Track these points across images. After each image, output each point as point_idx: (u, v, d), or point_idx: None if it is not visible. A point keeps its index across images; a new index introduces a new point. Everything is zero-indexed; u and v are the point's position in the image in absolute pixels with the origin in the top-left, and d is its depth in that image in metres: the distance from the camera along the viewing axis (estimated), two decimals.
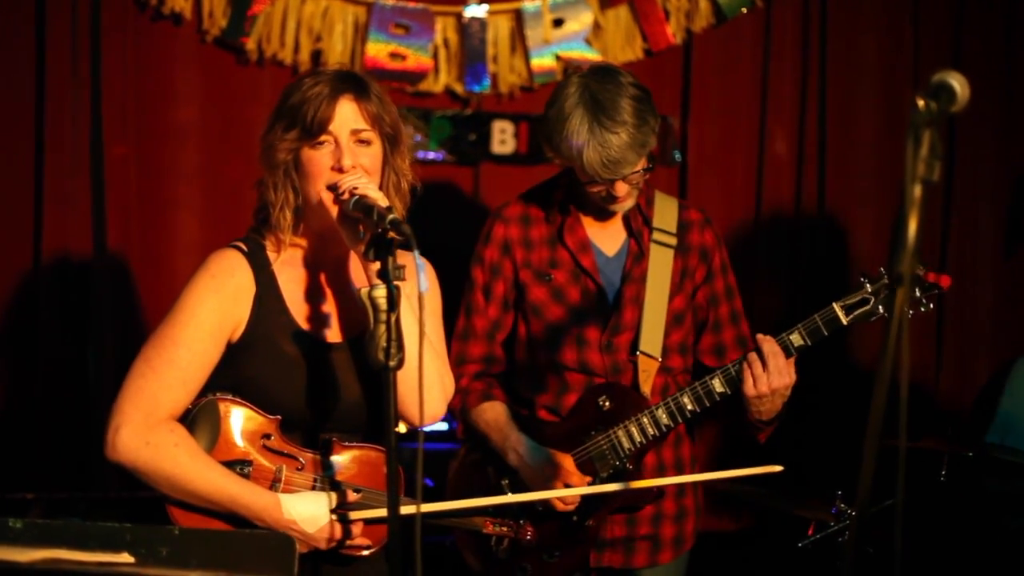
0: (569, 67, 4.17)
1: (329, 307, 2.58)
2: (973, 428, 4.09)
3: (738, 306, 3.33)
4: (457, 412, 3.26)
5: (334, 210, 2.43)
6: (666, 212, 3.29)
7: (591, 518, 3.13)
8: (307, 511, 2.41)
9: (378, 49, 4.18)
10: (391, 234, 2.22)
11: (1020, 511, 3.76)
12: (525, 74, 4.30)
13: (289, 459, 2.46)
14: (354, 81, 2.52)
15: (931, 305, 3.13)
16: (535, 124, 4.24)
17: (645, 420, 3.11)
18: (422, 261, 2.14)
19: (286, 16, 4.13)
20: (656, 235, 3.25)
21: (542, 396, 3.25)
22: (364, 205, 2.33)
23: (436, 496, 2.80)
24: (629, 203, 3.17)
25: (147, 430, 2.39)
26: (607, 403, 3.15)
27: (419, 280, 2.10)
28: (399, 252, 2.24)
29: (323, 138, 2.46)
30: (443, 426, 3.95)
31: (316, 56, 4.15)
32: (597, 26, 4.32)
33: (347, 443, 2.51)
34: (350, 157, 2.45)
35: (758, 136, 4.48)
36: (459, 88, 4.29)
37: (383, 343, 2.17)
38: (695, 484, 3.34)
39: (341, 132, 2.46)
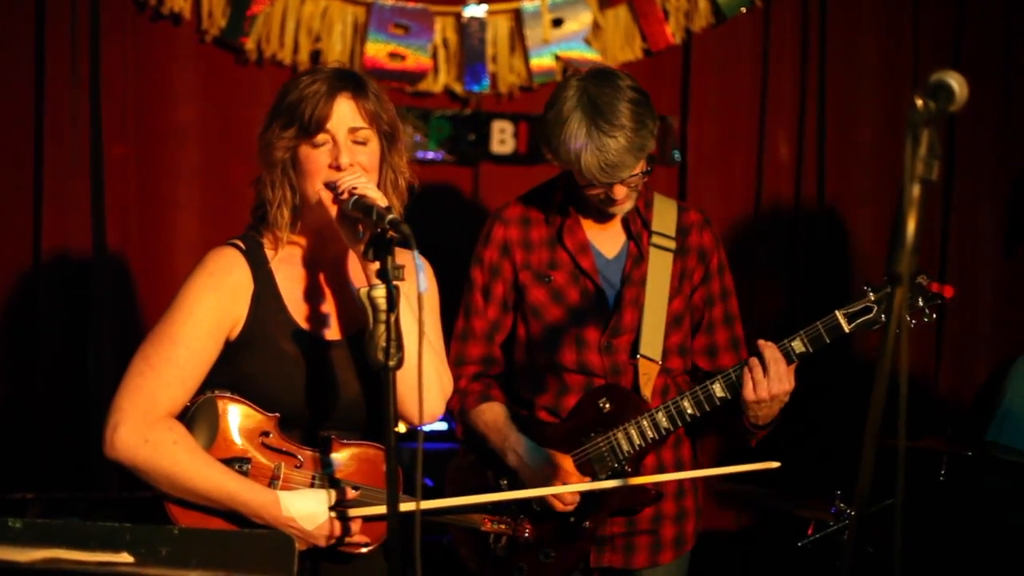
0: (568, 68, 4.17)
1: (327, 305, 2.58)
2: (973, 427, 4.09)
3: (733, 308, 3.32)
4: (456, 413, 3.26)
5: (333, 209, 2.43)
6: (665, 215, 3.29)
7: (588, 519, 3.13)
8: (306, 508, 2.41)
9: (377, 49, 4.18)
10: (390, 234, 2.22)
11: (1019, 510, 3.76)
12: (524, 74, 4.30)
13: (288, 456, 2.46)
14: (352, 79, 2.52)
15: (934, 315, 3.13)
16: (534, 124, 4.24)
17: (645, 423, 3.11)
18: (421, 261, 2.15)
19: (285, 16, 4.13)
20: (655, 239, 3.25)
21: (541, 397, 3.25)
22: (363, 205, 2.33)
23: (435, 496, 2.80)
24: (628, 205, 3.18)
25: (146, 428, 2.39)
26: (607, 405, 3.15)
27: (418, 280, 2.10)
28: (398, 251, 2.24)
29: (321, 136, 2.46)
30: (443, 426, 3.96)
31: (315, 56, 4.15)
32: (596, 26, 4.32)
33: (346, 441, 2.51)
34: (348, 155, 2.46)
35: (757, 136, 4.48)
36: (458, 88, 4.29)
37: (382, 343, 2.17)
38: (696, 485, 3.33)
39: (339, 130, 2.47)
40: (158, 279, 4.06)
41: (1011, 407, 3.86)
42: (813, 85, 4.47)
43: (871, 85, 4.53)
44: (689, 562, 3.36)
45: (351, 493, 2.45)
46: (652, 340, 3.19)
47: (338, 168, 2.45)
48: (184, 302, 2.47)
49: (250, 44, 4.11)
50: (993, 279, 4.62)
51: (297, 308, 2.54)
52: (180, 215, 4.13)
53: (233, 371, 2.48)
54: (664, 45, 4.37)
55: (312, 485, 2.46)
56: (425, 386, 2.19)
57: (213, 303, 2.47)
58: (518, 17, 4.27)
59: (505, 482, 3.16)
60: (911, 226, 1.62)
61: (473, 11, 4.24)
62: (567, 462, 3.10)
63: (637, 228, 3.25)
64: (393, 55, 4.19)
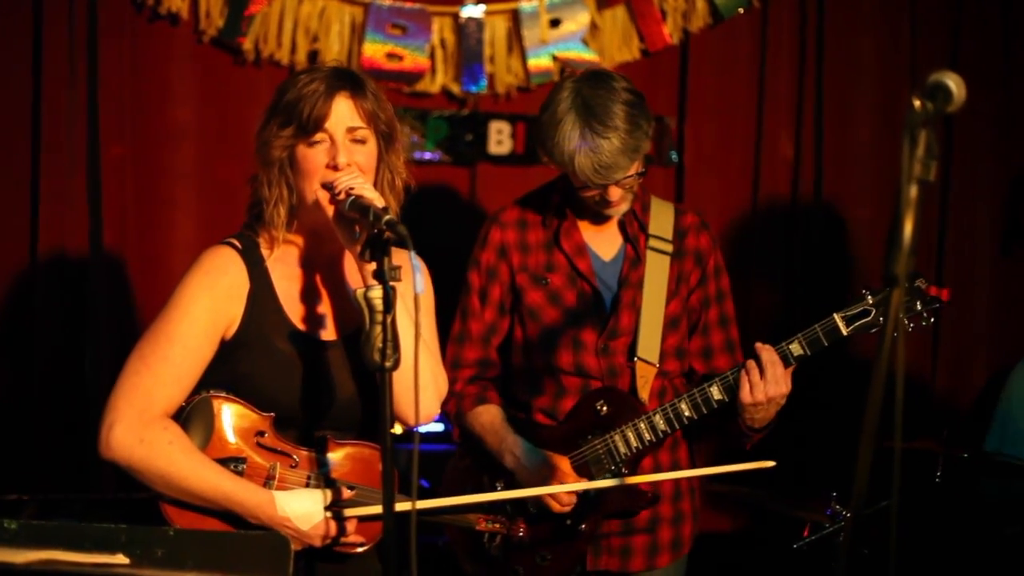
0: (566, 68, 4.17)
1: (323, 304, 2.58)
2: (971, 434, 4.08)
3: (728, 311, 3.32)
4: (452, 416, 3.26)
5: (330, 210, 2.43)
6: (662, 218, 3.28)
7: (585, 522, 3.13)
8: (301, 508, 2.41)
9: (375, 49, 4.18)
10: (387, 234, 2.22)
11: (1015, 513, 3.76)
12: (522, 74, 4.30)
13: (283, 456, 2.46)
14: (350, 78, 2.52)
15: (932, 319, 3.13)
16: (532, 125, 4.24)
17: (642, 426, 3.11)
18: (418, 261, 2.14)
19: (283, 16, 4.13)
20: (652, 242, 3.25)
21: (538, 399, 3.24)
22: (360, 205, 2.33)
23: (431, 498, 2.79)
24: (624, 207, 3.18)
25: (141, 427, 2.39)
26: (604, 407, 3.15)
27: (415, 281, 2.10)
28: (394, 251, 2.24)
29: (318, 136, 2.46)
30: (439, 427, 3.95)
31: (313, 56, 4.15)
32: (594, 26, 4.32)
33: (341, 440, 2.51)
34: (345, 155, 2.46)
35: (755, 136, 4.48)
36: (456, 88, 4.28)
37: (379, 344, 2.17)
38: (693, 488, 3.33)
39: (337, 130, 2.47)
40: (155, 278, 4.06)
41: (1009, 416, 3.85)
42: (811, 85, 4.47)
43: (869, 85, 4.53)
44: (686, 566, 3.36)
45: (346, 493, 2.44)
46: (649, 343, 3.19)
47: (335, 168, 2.45)
48: (180, 301, 2.47)
49: (248, 44, 4.11)
50: (990, 279, 4.62)
51: (293, 308, 2.54)
52: (177, 215, 4.13)
53: (229, 371, 2.48)
54: (662, 45, 4.37)
55: (307, 485, 2.46)
56: (421, 387, 2.18)
57: (209, 302, 2.47)
58: (516, 17, 4.27)
59: (501, 485, 3.16)
60: (908, 227, 1.61)
61: (471, 11, 4.24)
62: (564, 463, 3.10)
63: (634, 231, 3.25)
64: (391, 55, 4.19)
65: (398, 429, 2.72)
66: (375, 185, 2.49)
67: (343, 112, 2.47)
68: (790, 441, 3.87)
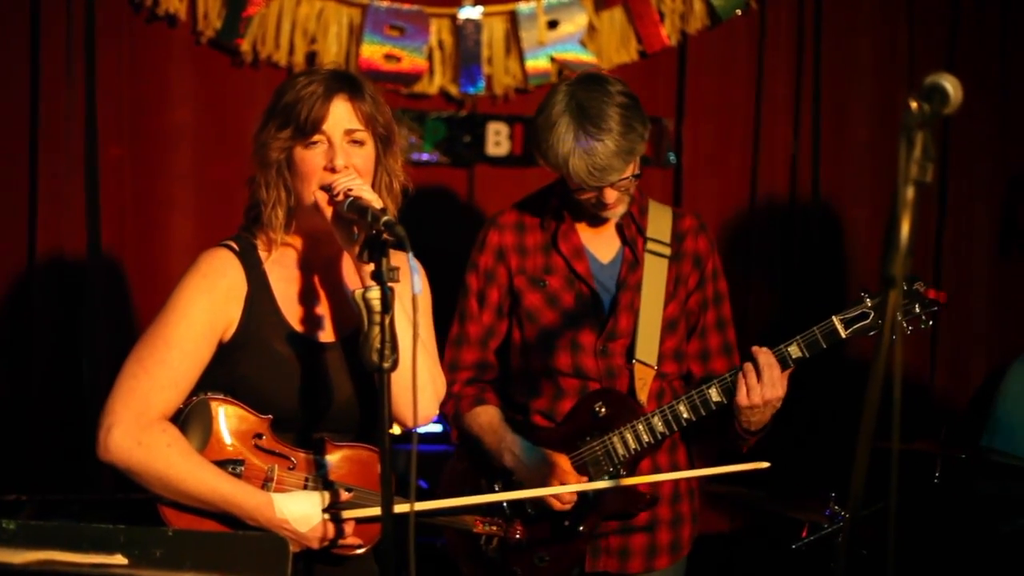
0: (564, 70, 4.18)
1: (321, 306, 2.58)
2: (968, 432, 4.08)
3: (726, 313, 3.33)
4: (450, 418, 3.26)
5: (328, 211, 2.43)
6: (660, 221, 3.29)
7: (582, 524, 3.13)
8: (299, 510, 2.41)
9: (373, 51, 4.18)
10: (385, 235, 2.22)
11: (1013, 513, 3.76)
12: (520, 76, 4.30)
13: (281, 458, 2.46)
14: (348, 81, 2.52)
15: (930, 322, 3.14)
16: (530, 126, 4.24)
17: (640, 427, 3.11)
18: (415, 263, 2.14)
19: (281, 18, 4.13)
20: (650, 245, 3.25)
21: (537, 401, 3.24)
22: (359, 206, 2.33)
23: (429, 499, 2.79)
24: (620, 209, 3.18)
25: (139, 430, 2.38)
26: (603, 409, 3.15)
27: (413, 282, 2.10)
28: (392, 252, 2.24)
29: (316, 138, 2.46)
30: (437, 428, 3.95)
31: (311, 58, 4.15)
32: (592, 28, 4.32)
33: (339, 443, 2.51)
34: (343, 157, 2.46)
35: (753, 137, 4.48)
36: (454, 90, 4.28)
37: (377, 345, 2.17)
38: (692, 490, 3.33)
39: (335, 132, 2.47)
40: (153, 280, 4.05)
41: (1006, 413, 3.86)
42: (808, 86, 4.47)
43: (866, 86, 4.54)
44: (685, 568, 3.35)
45: (344, 495, 2.44)
46: (647, 345, 3.19)
47: (333, 170, 2.45)
48: (177, 304, 2.47)
49: (246, 46, 4.11)
50: (988, 280, 4.63)
51: (291, 310, 2.54)
52: (175, 216, 4.13)
53: (227, 373, 2.48)
54: (659, 47, 4.37)
55: (306, 487, 2.46)
56: (419, 388, 2.18)
57: (206, 305, 2.47)
58: (513, 19, 4.27)
59: (499, 487, 3.16)
60: (905, 229, 1.61)
61: (469, 13, 4.24)
62: (564, 461, 3.09)
63: (632, 234, 3.26)
64: (388, 57, 4.19)
65: (396, 430, 2.72)
66: (373, 187, 2.49)
67: (341, 114, 2.47)
68: (789, 442, 3.87)
